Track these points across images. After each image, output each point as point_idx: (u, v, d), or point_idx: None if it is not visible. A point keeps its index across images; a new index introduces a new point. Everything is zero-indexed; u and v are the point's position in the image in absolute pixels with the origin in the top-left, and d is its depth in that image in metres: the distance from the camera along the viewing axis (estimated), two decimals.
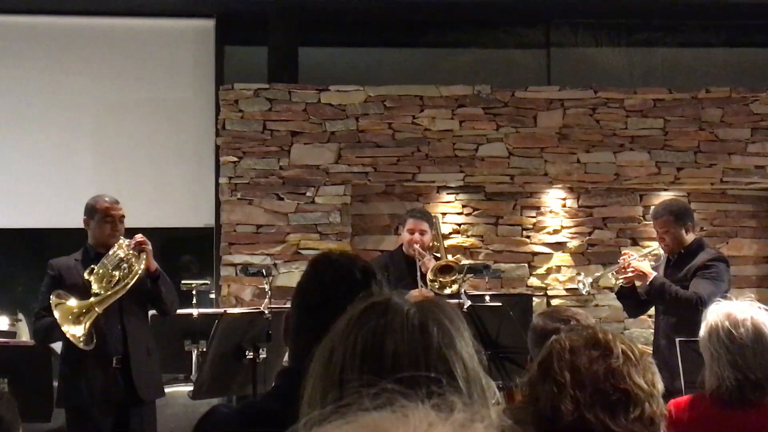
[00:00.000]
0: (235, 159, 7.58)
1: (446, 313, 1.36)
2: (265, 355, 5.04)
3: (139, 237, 5.37)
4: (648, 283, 5.72)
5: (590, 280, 6.28)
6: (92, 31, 8.11)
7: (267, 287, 5.66)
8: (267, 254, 7.52)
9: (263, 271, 5.90)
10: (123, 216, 5.50)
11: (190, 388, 5.47)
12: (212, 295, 7.55)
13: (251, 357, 5.00)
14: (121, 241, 5.39)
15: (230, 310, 5.50)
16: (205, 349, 5.29)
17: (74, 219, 7.61)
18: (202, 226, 7.93)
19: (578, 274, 6.28)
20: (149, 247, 5.35)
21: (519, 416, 2.07)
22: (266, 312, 5.09)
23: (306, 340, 2.14)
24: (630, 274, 5.82)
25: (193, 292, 6.14)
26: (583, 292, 6.47)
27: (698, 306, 5.19)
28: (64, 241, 6.96)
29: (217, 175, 7.70)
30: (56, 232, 7.92)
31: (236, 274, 7.43)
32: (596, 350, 2.09)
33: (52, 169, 7.89)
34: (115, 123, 7.99)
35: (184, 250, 8.11)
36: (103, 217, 5.43)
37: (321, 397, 1.28)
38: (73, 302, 5.17)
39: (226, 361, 5.01)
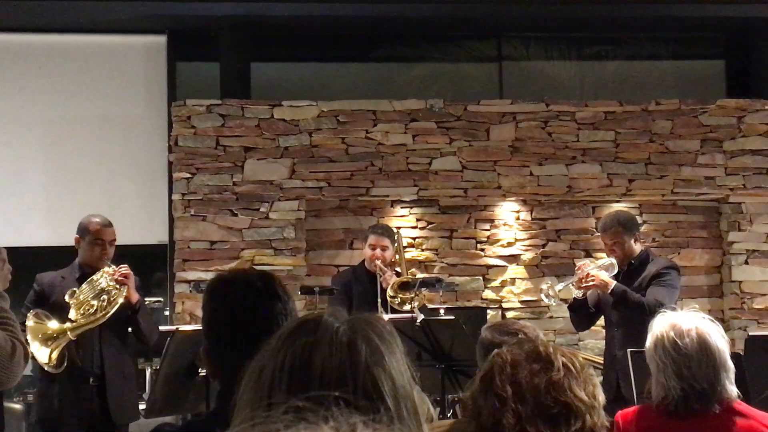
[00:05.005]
0: (188, 175, 7.54)
1: (376, 330, 1.35)
2: None
3: (124, 269, 5.39)
4: (610, 291, 5.77)
5: (559, 287, 6.09)
6: (43, 47, 8.04)
7: None
8: (221, 270, 7.47)
9: None
10: (114, 240, 5.54)
11: (143, 406, 5.43)
12: (167, 312, 7.50)
13: (204, 375, 4.96)
14: (107, 268, 5.41)
15: (182, 327, 5.46)
16: (158, 367, 5.25)
17: (26, 237, 7.59)
18: (156, 243, 7.88)
19: (545, 284, 6.20)
20: (131, 281, 5.38)
21: (461, 430, 2.08)
22: None
23: (233, 365, 2.12)
24: (591, 283, 5.85)
25: None
26: (553, 303, 6.40)
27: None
28: (14, 259, 6.88)
29: (170, 192, 7.66)
30: (6, 250, 7.82)
31: (190, 291, 7.39)
32: (537, 363, 2.10)
33: (1, 186, 7.80)
34: (67, 140, 7.93)
35: (138, 267, 8.03)
36: (93, 239, 5.48)
37: (250, 415, 1.28)
38: (50, 324, 5.16)
39: (179, 379, 4.96)
